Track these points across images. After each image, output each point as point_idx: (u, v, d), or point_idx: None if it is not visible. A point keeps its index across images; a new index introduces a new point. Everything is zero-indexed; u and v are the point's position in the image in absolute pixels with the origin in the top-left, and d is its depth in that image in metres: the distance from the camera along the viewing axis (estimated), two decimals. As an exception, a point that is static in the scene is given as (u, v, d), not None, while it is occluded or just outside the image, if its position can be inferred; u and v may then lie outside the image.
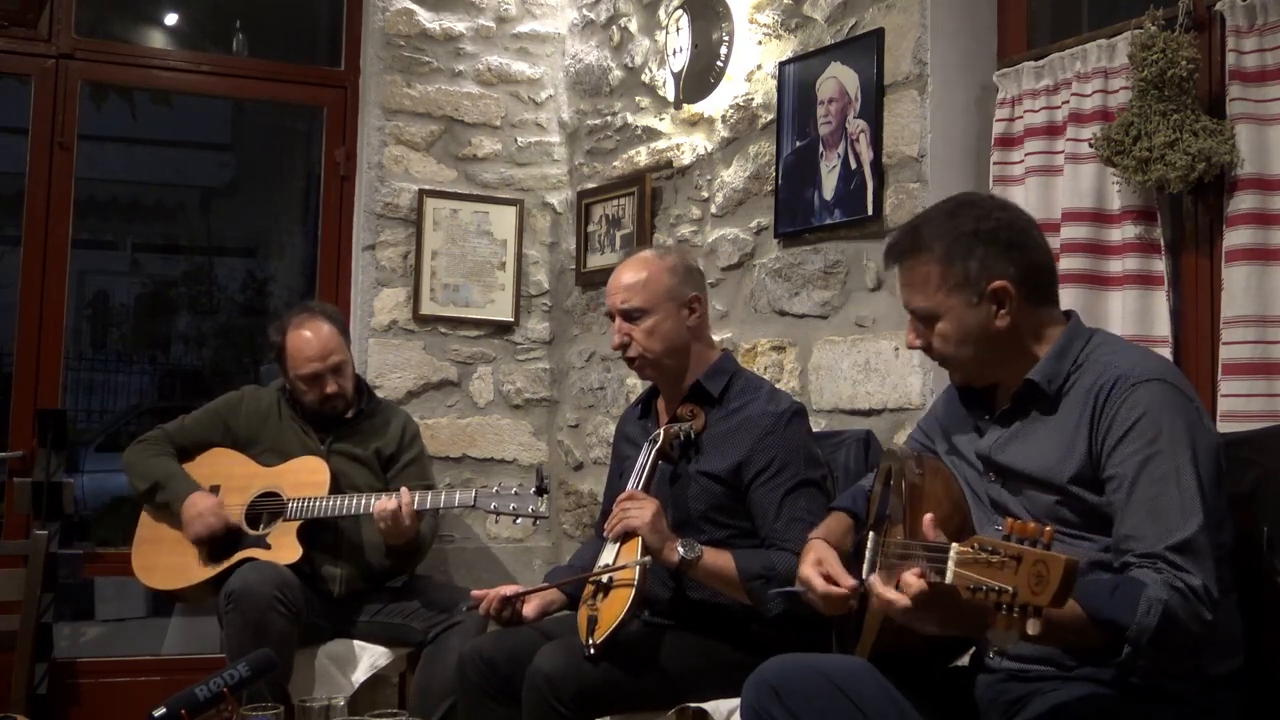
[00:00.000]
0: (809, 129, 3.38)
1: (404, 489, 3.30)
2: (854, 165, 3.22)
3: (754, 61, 3.65)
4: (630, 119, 4.19)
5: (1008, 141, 2.96)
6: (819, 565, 2.09)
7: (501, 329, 4.46)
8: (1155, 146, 2.52)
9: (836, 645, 2.28)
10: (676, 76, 3.87)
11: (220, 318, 9.80)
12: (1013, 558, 1.46)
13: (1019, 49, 3.05)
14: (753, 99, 3.65)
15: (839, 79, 3.29)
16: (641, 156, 4.12)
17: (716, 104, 3.77)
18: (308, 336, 3.46)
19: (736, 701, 2.37)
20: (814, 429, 2.89)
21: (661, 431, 2.69)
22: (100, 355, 10.21)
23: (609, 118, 4.29)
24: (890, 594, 1.71)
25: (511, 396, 4.47)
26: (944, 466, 2.09)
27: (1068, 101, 2.80)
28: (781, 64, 3.50)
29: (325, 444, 3.53)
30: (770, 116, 3.55)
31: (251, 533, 3.41)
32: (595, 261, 4.26)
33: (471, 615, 2.76)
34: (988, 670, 2.03)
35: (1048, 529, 1.47)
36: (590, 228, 4.30)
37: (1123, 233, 2.68)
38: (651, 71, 4.10)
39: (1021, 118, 2.93)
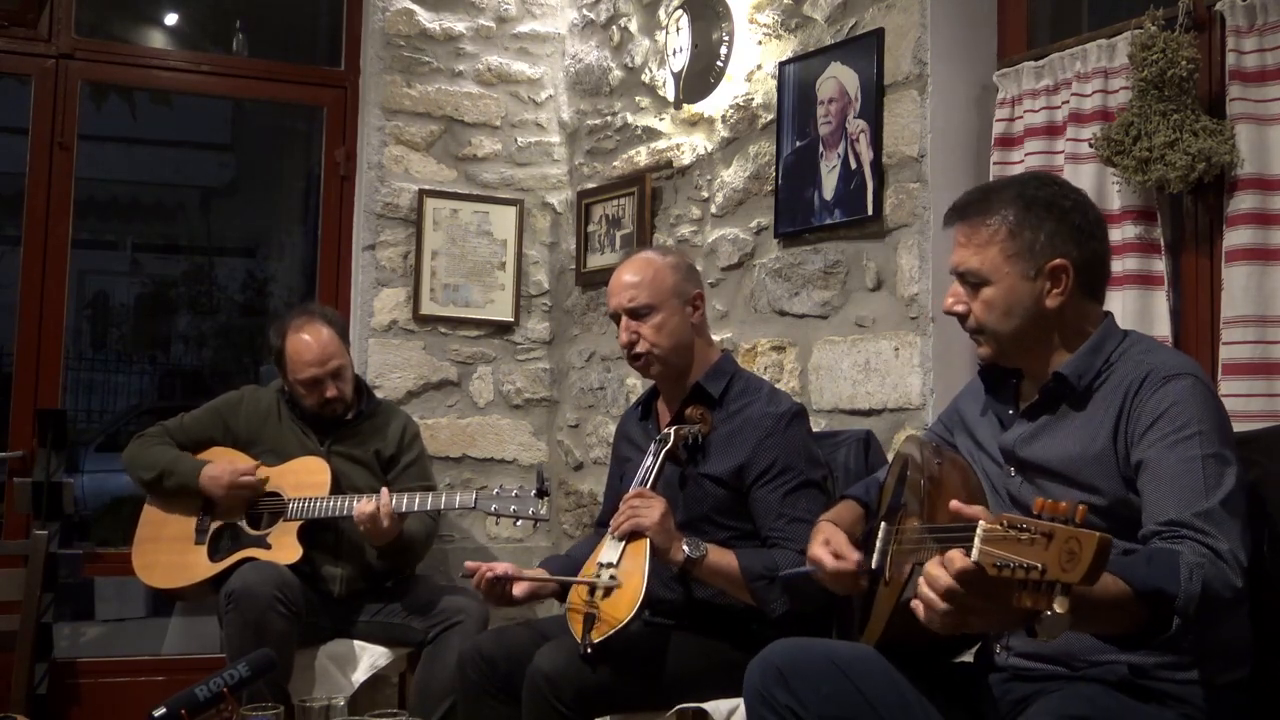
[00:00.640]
0: (809, 129, 3.38)
1: (384, 490, 3.29)
2: (854, 165, 3.22)
3: (754, 61, 3.65)
4: (630, 119, 4.19)
5: (1008, 141, 2.96)
6: (827, 544, 2.10)
7: (501, 329, 4.46)
8: (1155, 146, 2.52)
9: (838, 636, 2.28)
10: (676, 76, 3.87)
11: (220, 318, 9.80)
12: (1044, 534, 1.42)
13: (1019, 49, 3.05)
14: (753, 99, 3.65)
15: (839, 79, 3.29)
16: (641, 156, 4.12)
17: (716, 104, 3.77)
18: (307, 340, 3.46)
19: (736, 701, 2.38)
20: (814, 429, 2.90)
21: (672, 433, 2.68)
22: (100, 355, 10.21)
23: (609, 118, 4.29)
24: (936, 569, 1.58)
25: (511, 396, 4.47)
26: (962, 459, 2.09)
27: (1068, 101, 2.80)
28: (781, 64, 3.50)
29: (325, 445, 3.53)
30: (770, 116, 3.55)
31: (252, 532, 3.41)
32: (595, 261, 4.26)
33: (465, 581, 2.77)
34: (994, 668, 2.02)
35: (1080, 506, 1.44)
36: (590, 228, 4.31)
37: (1123, 233, 2.67)
38: (651, 71, 4.10)
39: (1021, 118, 2.93)
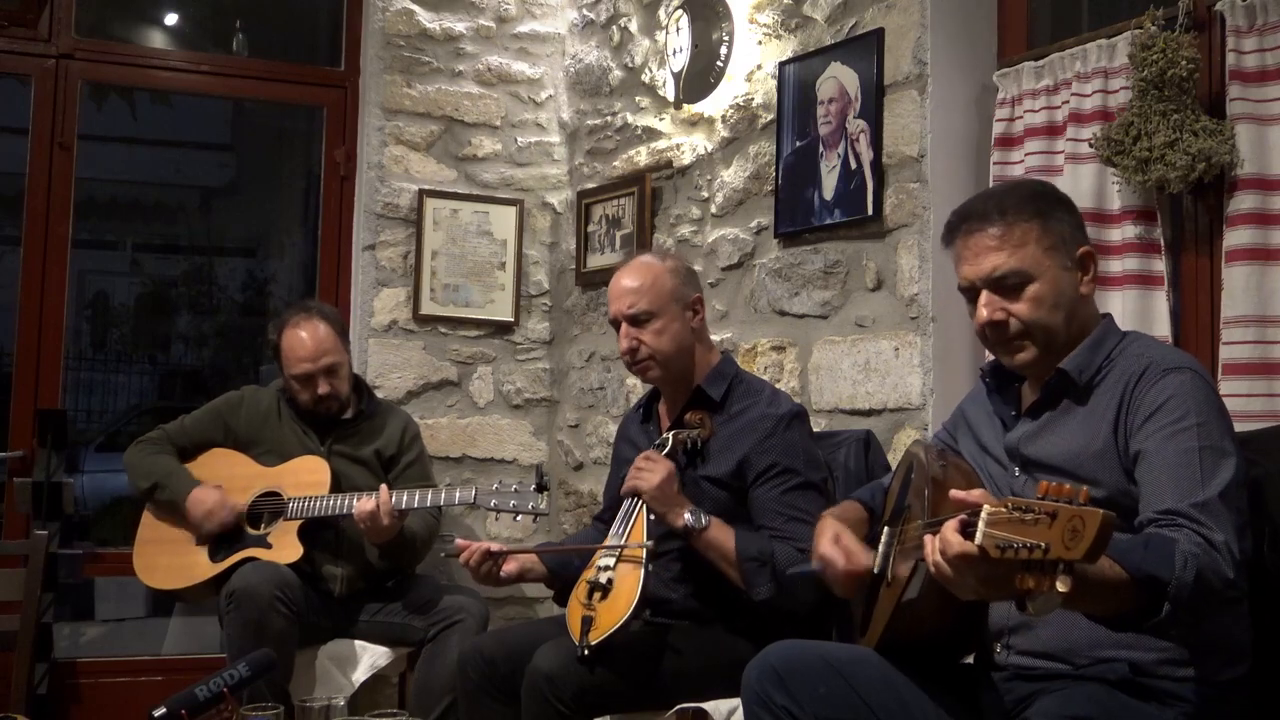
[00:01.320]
0: (809, 129, 3.38)
1: (383, 487, 3.29)
2: (854, 165, 3.22)
3: (754, 61, 3.65)
4: (630, 119, 4.18)
5: (1008, 141, 2.96)
6: (838, 542, 2.09)
7: (501, 329, 4.46)
8: (1155, 146, 2.52)
9: (837, 639, 2.28)
10: (676, 76, 3.87)
11: (220, 318, 9.79)
12: (1048, 514, 1.44)
13: (1019, 49, 3.05)
14: (753, 99, 3.65)
15: (839, 79, 3.29)
16: (641, 156, 4.12)
17: (716, 104, 3.77)
18: (302, 336, 3.46)
19: (736, 701, 2.37)
20: (814, 429, 2.90)
21: (670, 437, 2.69)
22: (100, 355, 10.19)
23: (609, 118, 4.29)
24: (928, 543, 1.64)
25: (511, 396, 4.47)
26: (965, 463, 2.09)
27: (1068, 101, 2.80)
28: (781, 64, 3.50)
29: (325, 445, 3.53)
30: (770, 116, 3.55)
31: (252, 532, 3.41)
32: (595, 261, 4.26)
33: (451, 555, 2.80)
34: (995, 667, 2.02)
35: (1084, 489, 1.45)
36: (590, 228, 4.30)
37: (1123, 233, 2.68)
38: (651, 71, 4.10)
39: (1021, 118, 2.93)
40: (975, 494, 1.65)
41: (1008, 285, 1.97)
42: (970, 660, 2.14)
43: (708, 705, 2.57)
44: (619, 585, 2.53)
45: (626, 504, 2.70)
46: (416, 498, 3.30)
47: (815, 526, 2.28)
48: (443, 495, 3.31)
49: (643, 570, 2.50)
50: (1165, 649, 1.84)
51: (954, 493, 1.68)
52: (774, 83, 3.53)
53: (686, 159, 3.92)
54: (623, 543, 2.61)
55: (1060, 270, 1.97)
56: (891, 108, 3.15)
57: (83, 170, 4.24)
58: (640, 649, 2.55)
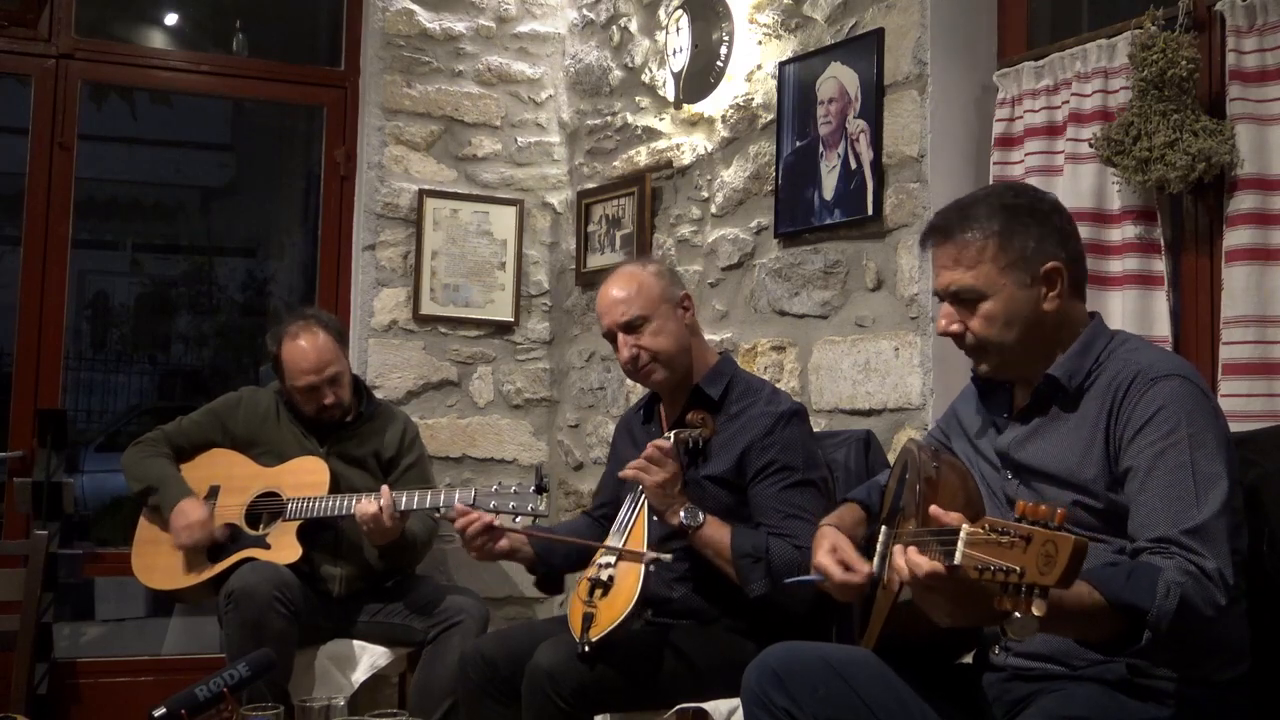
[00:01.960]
0: (809, 129, 3.38)
1: (385, 488, 3.29)
2: (854, 165, 3.22)
3: (754, 61, 3.65)
4: (630, 119, 4.18)
5: (1008, 141, 2.96)
6: (834, 552, 2.09)
7: (501, 329, 4.45)
8: (1155, 146, 2.52)
9: (837, 639, 2.28)
10: (676, 76, 3.87)
11: (220, 318, 9.79)
12: (1022, 538, 1.44)
13: (1019, 49, 3.05)
14: (753, 99, 3.65)
15: (839, 79, 3.29)
16: (641, 156, 4.12)
17: (716, 104, 3.77)
18: (304, 348, 3.45)
19: (736, 701, 2.37)
20: (814, 429, 2.90)
21: (673, 436, 2.69)
22: (100, 355, 10.19)
23: (609, 118, 4.29)
24: (899, 560, 1.65)
25: (511, 396, 4.47)
26: (960, 462, 2.09)
27: (1068, 101, 2.80)
28: (781, 64, 3.50)
29: (324, 447, 3.53)
30: (770, 116, 3.55)
31: (251, 532, 3.41)
32: (595, 261, 4.26)
33: (449, 518, 2.82)
34: (993, 668, 2.02)
35: (1059, 510, 1.45)
36: (590, 228, 4.30)
37: (1123, 233, 2.68)
38: (651, 71, 4.10)
39: (1021, 118, 2.93)
40: (951, 515, 1.64)
41: (963, 300, 1.99)
42: (968, 660, 2.14)
43: (708, 705, 2.58)
44: (619, 583, 2.54)
45: (628, 502, 2.70)
46: (417, 499, 3.30)
47: (813, 524, 2.29)
48: (442, 496, 3.30)
49: (643, 569, 2.51)
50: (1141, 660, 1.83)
51: (932, 509, 1.68)
52: (774, 83, 3.53)
53: (686, 159, 3.92)
54: (623, 541, 2.62)
55: (1016, 288, 1.95)
56: (891, 108, 3.15)
57: (83, 170, 4.24)
58: (641, 648, 2.56)
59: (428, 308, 4.33)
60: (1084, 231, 2.69)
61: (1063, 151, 2.80)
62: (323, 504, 3.36)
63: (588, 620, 2.49)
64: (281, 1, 6.31)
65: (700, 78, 3.79)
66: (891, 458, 2.93)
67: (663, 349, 2.75)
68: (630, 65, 4.21)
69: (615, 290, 2.79)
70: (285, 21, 6.13)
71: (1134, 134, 2.55)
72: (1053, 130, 2.85)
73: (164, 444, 3.56)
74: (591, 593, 2.56)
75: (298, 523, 3.36)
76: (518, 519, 3.20)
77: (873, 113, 3.17)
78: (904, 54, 3.12)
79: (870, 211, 3.16)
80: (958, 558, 1.53)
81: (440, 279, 4.35)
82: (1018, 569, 1.43)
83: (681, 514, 2.60)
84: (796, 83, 3.44)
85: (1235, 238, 2.46)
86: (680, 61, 3.84)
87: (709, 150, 3.82)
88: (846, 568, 2.06)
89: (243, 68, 4.71)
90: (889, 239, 3.14)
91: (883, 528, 2.10)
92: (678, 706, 2.59)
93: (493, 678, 2.65)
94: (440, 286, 4.35)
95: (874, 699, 1.95)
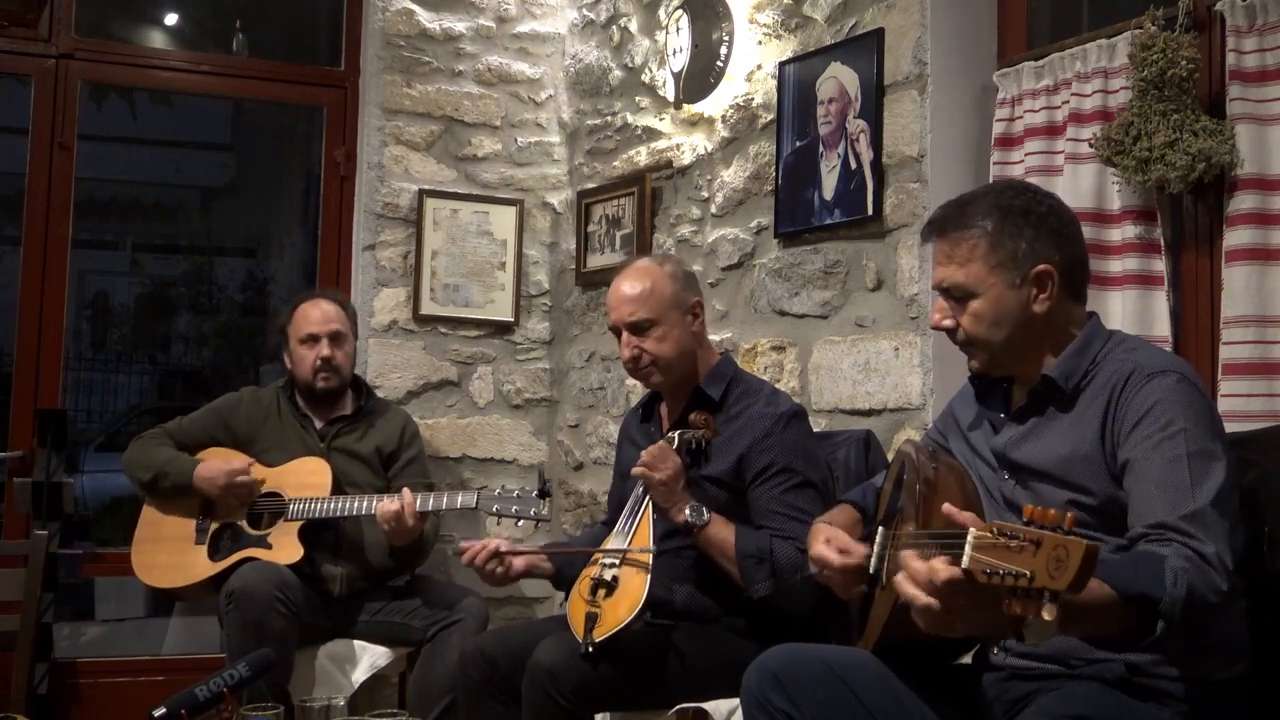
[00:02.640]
0: (809, 129, 3.38)
1: (405, 490, 3.30)
2: (854, 165, 3.22)
3: (754, 61, 3.65)
4: (630, 119, 4.19)
5: (1008, 141, 2.96)
6: (829, 543, 2.09)
7: (501, 329, 4.46)
8: (1155, 146, 2.52)
9: (836, 641, 2.28)
10: (676, 76, 3.87)
11: (220, 318, 9.79)
12: (1032, 542, 1.43)
13: (1019, 49, 3.05)
14: (753, 99, 3.65)
15: (839, 79, 3.29)
16: (641, 156, 4.12)
17: (716, 104, 3.77)
18: (311, 307, 3.60)
19: (736, 702, 2.37)
20: (814, 429, 2.90)
21: (676, 436, 2.69)
22: (100, 355, 10.19)
23: (609, 118, 4.29)
24: (918, 564, 1.60)
25: (511, 396, 4.47)
26: (957, 463, 2.09)
27: (1068, 101, 2.80)
28: (781, 64, 3.50)
29: (325, 440, 3.54)
30: (770, 116, 3.55)
31: (253, 532, 3.41)
32: (595, 261, 4.26)
33: (454, 552, 2.82)
34: (992, 668, 2.03)
35: (1069, 514, 1.45)
36: (590, 228, 4.30)
37: (1123, 233, 2.68)
38: (651, 71, 4.10)
39: (1021, 118, 2.93)
40: (964, 515, 1.63)
41: (954, 297, 2.01)
42: (967, 660, 2.14)
43: (708, 705, 2.58)
44: (625, 583, 2.54)
45: (632, 501, 2.70)
46: (431, 500, 3.30)
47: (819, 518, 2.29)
48: (445, 499, 3.31)
49: (650, 570, 2.52)
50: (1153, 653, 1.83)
51: (946, 507, 1.67)
52: (774, 83, 3.53)
53: (686, 159, 3.92)
54: (628, 540, 2.62)
55: (1005, 289, 1.96)
56: (891, 108, 3.15)
57: (83, 170, 4.24)
58: (642, 648, 2.56)
59: (428, 308, 4.33)
60: (1084, 231, 2.70)
61: (1063, 151, 2.80)
62: (324, 505, 3.36)
63: (591, 620, 2.49)
64: (281, 1, 6.31)
65: (700, 78, 3.79)
66: (891, 458, 2.93)
67: (664, 355, 2.74)
68: (630, 65, 4.21)
69: (627, 287, 2.76)
70: (285, 21, 6.13)
71: (1134, 134, 2.55)
72: (1053, 130, 2.85)
73: (165, 438, 3.56)
74: (594, 592, 2.56)
75: (299, 523, 3.36)
76: (520, 523, 3.21)
77: (873, 113, 3.17)
78: (904, 54, 3.12)
79: (870, 211, 3.16)
80: (965, 561, 1.52)
81: (440, 279, 4.35)
82: (1027, 573, 1.42)
83: (687, 512, 2.60)
84: (796, 83, 3.44)
85: (1235, 238, 2.46)
86: (680, 61, 3.84)
87: (709, 150, 3.82)
88: (843, 552, 2.06)
89: (243, 68, 4.71)
90: (889, 239, 3.14)
91: (880, 529, 2.10)
92: (678, 706, 2.59)
93: (493, 676, 2.65)
94: (440, 286, 4.35)
95: (873, 701, 1.95)
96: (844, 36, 3.31)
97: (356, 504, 3.35)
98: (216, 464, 3.42)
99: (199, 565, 3.40)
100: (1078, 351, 1.97)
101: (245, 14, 5.64)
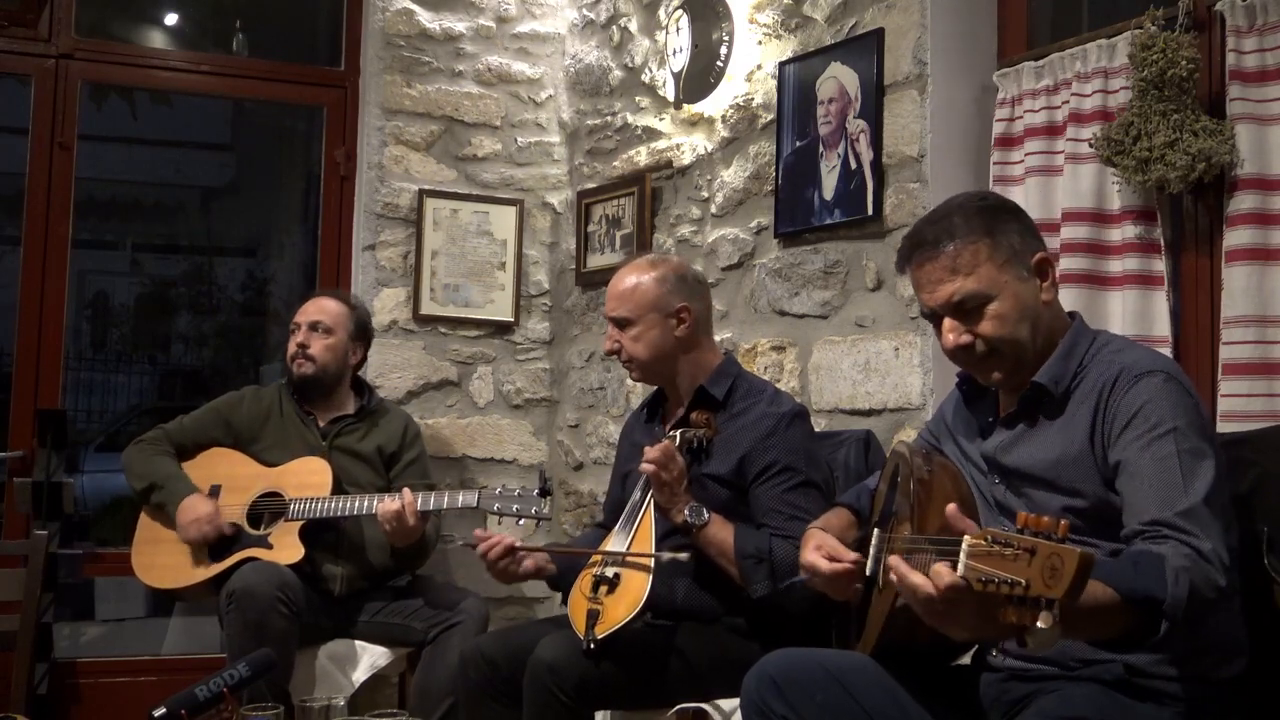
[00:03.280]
0: (809, 129, 3.38)
1: (406, 490, 3.30)
2: (854, 165, 3.22)
3: (754, 61, 3.65)
4: (630, 119, 4.18)
5: (1008, 141, 2.96)
6: (819, 549, 2.09)
7: (501, 329, 4.46)
8: (1155, 146, 2.52)
9: (836, 642, 2.28)
10: (676, 76, 3.87)
11: (220, 318, 9.79)
12: (1026, 550, 1.43)
13: (1019, 49, 3.05)
14: (753, 99, 3.65)
15: (839, 79, 3.29)
16: (641, 156, 4.12)
17: (716, 104, 3.77)
18: (311, 300, 3.66)
19: (737, 701, 2.38)
20: (814, 429, 2.90)
21: (678, 435, 2.70)
22: (100, 355, 10.19)
23: (609, 118, 4.29)
24: (917, 577, 1.61)
25: (511, 396, 4.47)
26: (953, 465, 2.09)
27: (1068, 101, 2.80)
28: (781, 64, 3.50)
29: (327, 439, 3.54)
30: (770, 116, 3.55)
31: (253, 532, 3.41)
32: (595, 261, 4.26)
33: (466, 546, 2.84)
34: (990, 669, 2.03)
35: (1063, 522, 1.45)
36: (590, 228, 4.30)
37: (1123, 233, 2.68)
38: (651, 71, 4.10)
39: (1021, 118, 2.93)
40: (965, 522, 1.64)
41: (968, 309, 1.96)
42: (966, 661, 2.14)
43: (708, 705, 2.58)
44: (627, 581, 2.55)
45: (633, 502, 2.71)
46: (433, 500, 3.30)
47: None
48: (445, 499, 3.31)
49: (652, 571, 2.52)
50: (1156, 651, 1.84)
51: (950, 509, 1.67)
52: (774, 83, 3.53)
53: (686, 159, 3.92)
54: (629, 540, 2.63)
55: (1018, 283, 1.96)
56: (891, 108, 3.15)
57: (83, 170, 4.24)
58: (643, 646, 2.56)
59: (428, 308, 4.33)
60: (1084, 231, 2.72)
61: (1063, 151, 2.80)
62: (325, 505, 3.36)
63: (593, 617, 2.50)
64: (281, 1, 6.31)
65: (700, 78, 3.79)
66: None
67: (637, 355, 2.80)
68: (630, 65, 4.21)
69: (616, 283, 2.84)
70: (285, 21, 6.13)
71: (1134, 134, 2.55)
72: (1053, 130, 2.85)
73: (165, 442, 3.56)
74: (596, 589, 2.57)
75: (300, 523, 3.36)
76: (521, 521, 3.21)
77: (873, 113, 3.17)
78: (904, 54, 3.12)
79: (870, 211, 3.16)
80: (960, 569, 1.53)
81: (440, 279, 4.35)
82: (1022, 581, 1.42)
83: (686, 512, 2.61)
84: (796, 83, 3.44)
85: (1235, 238, 2.46)
86: (680, 61, 3.84)
87: (709, 150, 3.82)
88: (833, 560, 2.06)
89: (243, 68, 4.71)
90: (889, 239, 3.14)
91: (875, 531, 2.10)
92: (678, 706, 2.59)
93: (493, 677, 2.66)
94: (440, 286, 4.35)
95: (873, 705, 1.95)
96: (844, 36, 3.31)
97: (357, 504, 3.35)
98: (202, 509, 3.38)
99: (199, 565, 3.40)
100: (1065, 355, 1.97)
101: (245, 14, 5.64)
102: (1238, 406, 2.42)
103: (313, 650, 3.34)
